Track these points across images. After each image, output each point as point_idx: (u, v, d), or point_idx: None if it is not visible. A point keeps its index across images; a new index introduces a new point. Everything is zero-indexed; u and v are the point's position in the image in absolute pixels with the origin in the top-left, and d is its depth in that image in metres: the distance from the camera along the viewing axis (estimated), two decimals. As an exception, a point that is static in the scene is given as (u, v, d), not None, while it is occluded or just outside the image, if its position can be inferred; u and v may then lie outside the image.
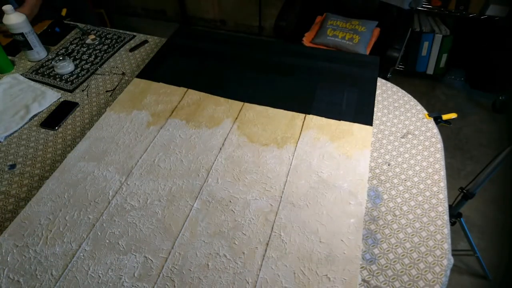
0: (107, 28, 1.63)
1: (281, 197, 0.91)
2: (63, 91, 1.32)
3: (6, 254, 0.82)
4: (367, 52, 2.04)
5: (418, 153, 1.06)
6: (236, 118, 1.12)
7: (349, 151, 1.01)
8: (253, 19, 3.03)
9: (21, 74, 1.39)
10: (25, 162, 1.08)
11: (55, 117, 1.21)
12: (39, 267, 0.80)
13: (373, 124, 1.10)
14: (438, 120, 1.15)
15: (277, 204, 0.90)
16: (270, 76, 1.26)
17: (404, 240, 0.87)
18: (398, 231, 0.88)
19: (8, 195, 1.00)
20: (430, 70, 2.50)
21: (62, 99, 1.29)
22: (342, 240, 0.83)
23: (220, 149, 1.03)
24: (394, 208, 0.93)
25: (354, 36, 2.06)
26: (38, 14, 1.60)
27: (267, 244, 0.82)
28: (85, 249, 0.83)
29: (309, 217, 0.87)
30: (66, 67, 1.38)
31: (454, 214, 1.47)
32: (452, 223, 1.50)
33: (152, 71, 1.29)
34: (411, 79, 2.60)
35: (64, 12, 1.67)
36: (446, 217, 0.91)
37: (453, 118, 1.15)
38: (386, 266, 0.82)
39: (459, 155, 2.12)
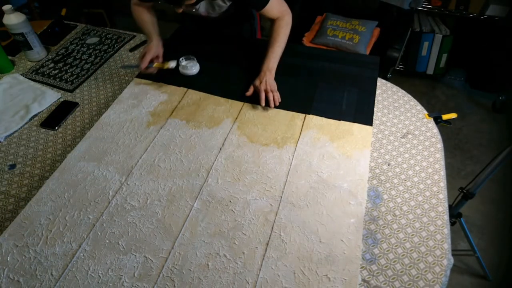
0: (107, 28, 1.63)
1: (281, 197, 0.91)
2: (63, 91, 1.32)
3: (6, 254, 0.82)
4: (367, 52, 2.04)
5: (418, 153, 1.06)
6: (236, 118, 1.12)
7: (349, 151, 1.01)
8: (253, 19, 3.02)
9: (21, 74, 1.39)
10: (25, 162, 1.08)
11: (55, 117, 1.21)
12: (39, 267, 0.80)
13: (373, 124, 1.10)
14: (438, 120, 1.15)
15: (277, 204, 0.90)
16: (270, 76, 1.26)
17: (404, 240, 0.87)
18: (398, 231, 0.88)
19: (8, 195, 0.99)
20: (430, 70, 2.50)
21: (62, 99, 1.29)
22: (342, 240, 0.83)
23: (220, 149, 1.03)
24: (394, 208, 0.93)
25: (354, 36, 2.06)
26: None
27: (267, 244, 0.82)
28: (85, 249, 0.83)
29: (309, 217, 0.87)
30: (192, 67, 1.27)
31: (454, 214, 1.47)
32: (452, 223, 1.50)
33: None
34: (411, 79, 2.60)
35: (64, 12, 1.67)
36: (446, 217, 0.91)
37: (453, 118, 1.15)
38: (386, 266, 0.82)
39: (459, 155, 2.12)
